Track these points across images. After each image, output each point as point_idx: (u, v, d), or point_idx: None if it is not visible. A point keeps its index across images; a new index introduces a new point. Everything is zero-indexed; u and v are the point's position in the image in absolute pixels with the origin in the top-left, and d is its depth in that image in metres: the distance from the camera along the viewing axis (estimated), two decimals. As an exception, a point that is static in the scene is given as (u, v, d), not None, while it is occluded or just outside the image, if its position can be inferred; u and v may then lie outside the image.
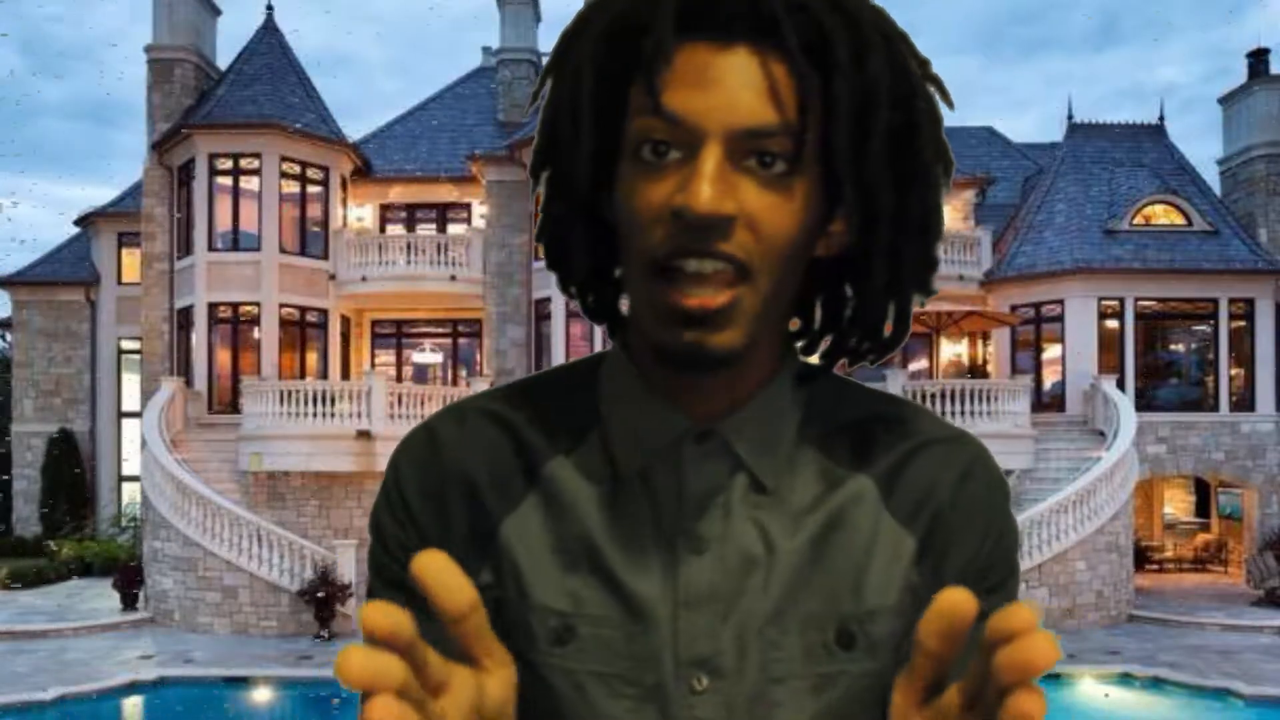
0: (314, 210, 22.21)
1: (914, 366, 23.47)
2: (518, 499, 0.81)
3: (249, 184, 21.44)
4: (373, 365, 22.88)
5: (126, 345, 25.10)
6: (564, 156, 0.78)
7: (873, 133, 0.73)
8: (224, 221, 21.50)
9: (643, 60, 0.72)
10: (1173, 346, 22.70)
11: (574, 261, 0.83)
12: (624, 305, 0.85)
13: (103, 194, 69.29)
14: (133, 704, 13.69)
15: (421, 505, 0.82)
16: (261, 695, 14.08)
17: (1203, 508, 24.73)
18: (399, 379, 22.70)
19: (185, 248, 21.73)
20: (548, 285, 19.74)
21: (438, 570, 0.56)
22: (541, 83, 0.80)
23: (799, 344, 0.86)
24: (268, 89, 22.12)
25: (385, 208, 23.97)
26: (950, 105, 0.77)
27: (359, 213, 23.52)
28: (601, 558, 0.79)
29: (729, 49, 0.72)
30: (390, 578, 0.82)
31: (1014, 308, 21.76)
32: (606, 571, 0.78)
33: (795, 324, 0.85)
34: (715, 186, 0.70)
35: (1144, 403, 20.71)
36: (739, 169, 0.72)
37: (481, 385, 19.15)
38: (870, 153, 0.73)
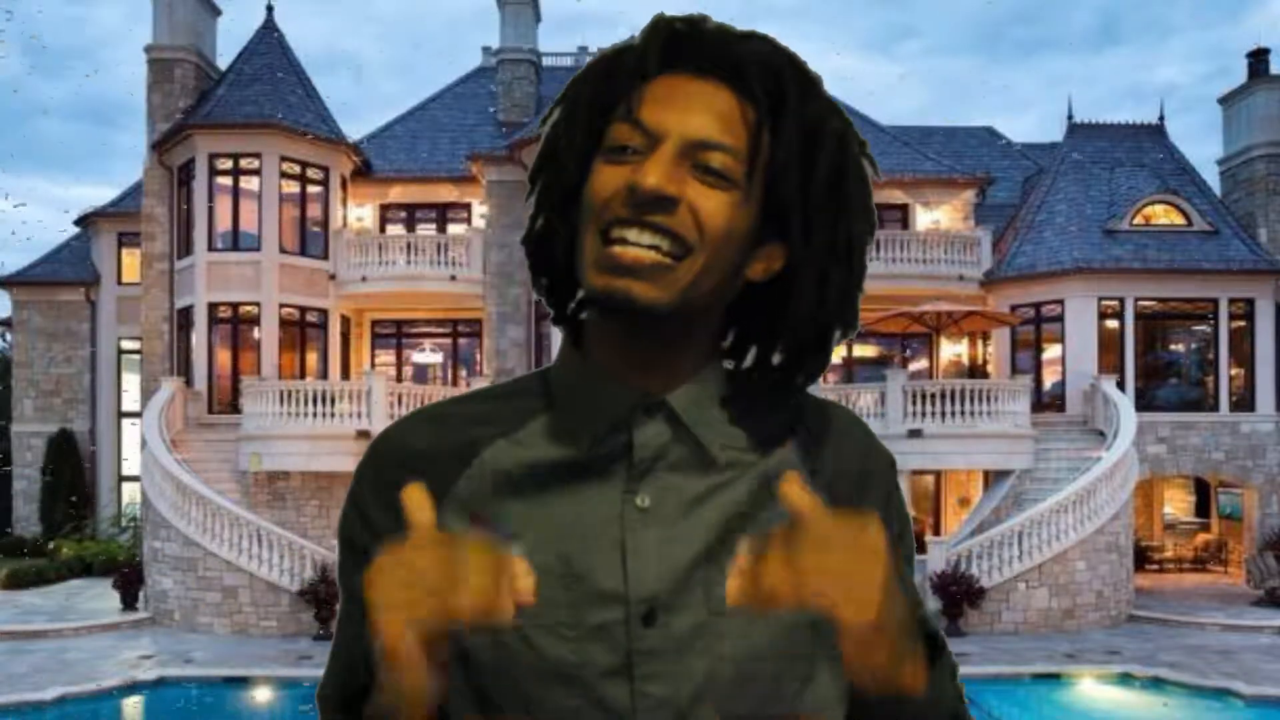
0: (314, 210, 22.21)
1: (914, 366, 23.46)
2: (451, 483, 0.92)
3: (249, 184, 21.44)
4: (373, 365, 22.88)
5: (126, 345, 25.11)
6: (558, 160, 0.93)
7: (818, 164, 0.89)
8: (224, 221, 21.51)
9: (628, 81, 0.89)
10: (1173, 346, 22.69)
11: (553, 258, 0.96)
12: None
13: (103, 194, 69.38)
14: (133, 704, 13.68)
15: (375, 498, 0.94)
16: (261, 695, 14.07)
17: (1203, 508, 24.71)
18: (399, 379, 22.72)
19: (185, 248, 21.73)
20: (548, 285, 19.67)
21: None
22: (552, 110, 0.96)
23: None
24: (268, 89, 22.11)
25: (385, 208, 23.98)
26: (879, 175, 0.94)
27: (359, 213, 23.52)
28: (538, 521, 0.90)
29: (700, 81, 0.90)
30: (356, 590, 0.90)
31: (1014, 308, 21.75)
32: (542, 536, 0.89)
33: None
34: (663, 171, 0.85)
35: (1144, 403, 20.70)
36: (688, 170, 0.87)
37: (481, 385, 19.12)
38: (815, 180, 0.89)
